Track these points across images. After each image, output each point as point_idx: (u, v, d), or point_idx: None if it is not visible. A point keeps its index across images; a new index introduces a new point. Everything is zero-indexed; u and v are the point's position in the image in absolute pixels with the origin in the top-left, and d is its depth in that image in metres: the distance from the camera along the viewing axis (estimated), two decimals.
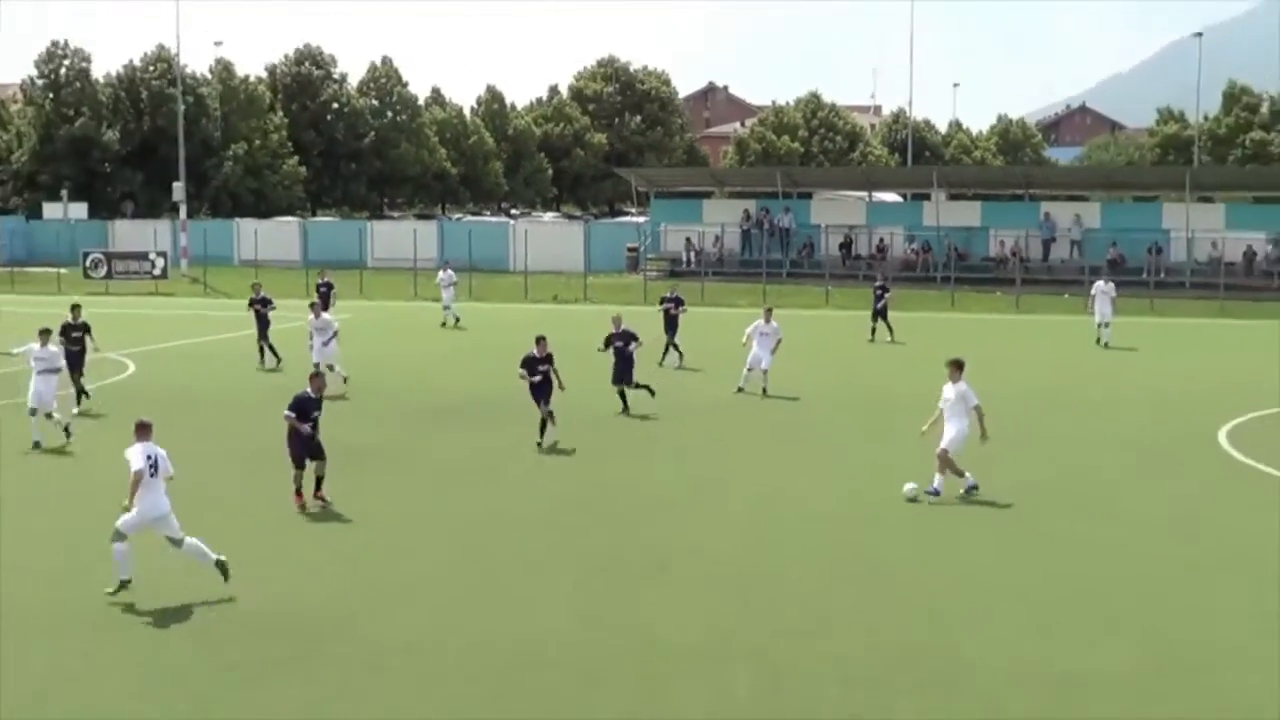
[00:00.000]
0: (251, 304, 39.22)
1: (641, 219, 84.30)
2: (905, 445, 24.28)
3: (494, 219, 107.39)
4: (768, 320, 33.30)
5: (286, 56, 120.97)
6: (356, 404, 31.44)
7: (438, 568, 17.82)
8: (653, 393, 30.22)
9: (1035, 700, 13.16)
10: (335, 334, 34.79)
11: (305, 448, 20.73)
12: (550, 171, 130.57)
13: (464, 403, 31.76)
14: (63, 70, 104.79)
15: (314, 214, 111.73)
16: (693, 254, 72.86)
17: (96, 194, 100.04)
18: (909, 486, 21.17)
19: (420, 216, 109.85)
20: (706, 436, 27.79)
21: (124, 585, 16.30)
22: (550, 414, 25.85)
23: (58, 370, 27.24)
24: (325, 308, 36.73)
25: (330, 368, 32.97)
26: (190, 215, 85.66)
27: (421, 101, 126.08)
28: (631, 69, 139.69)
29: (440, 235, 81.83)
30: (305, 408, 20.81)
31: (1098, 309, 44.07)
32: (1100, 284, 44.74)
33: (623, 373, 29.87)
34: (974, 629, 15.18)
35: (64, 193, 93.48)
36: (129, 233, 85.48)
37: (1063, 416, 30.03)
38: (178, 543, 16.44)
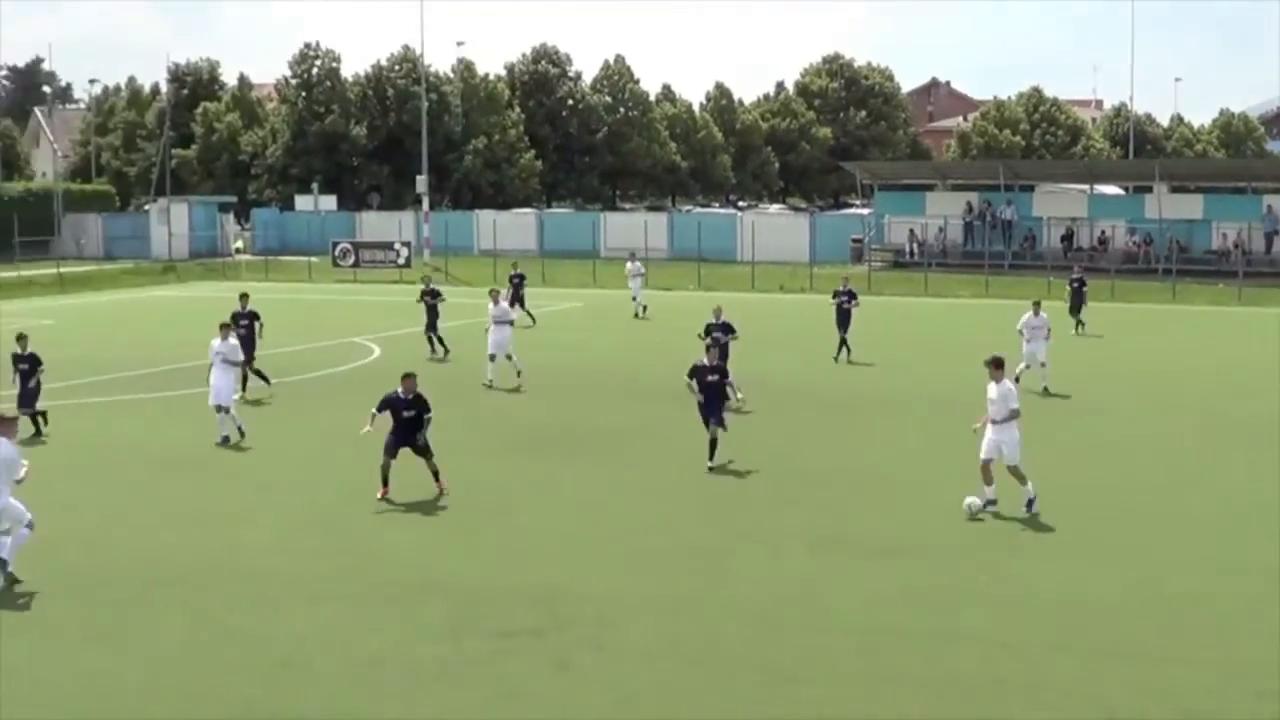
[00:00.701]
0: (422, 296, 39.54)
1: (866, 211, 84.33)
2: (1121, 436, 25.81)
3: (722, 210, 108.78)
4: (1036, 313, 32.27)
5: (524, 55, 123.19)
6: (586, 386, 32.68)
7: (659, 548, 18.30)
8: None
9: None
10: (511, 323, 34.22)
11: (398, 439, 20.84)
12: (777, 165, 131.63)
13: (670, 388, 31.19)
14: (314, 70, 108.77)
15: (549, 205, 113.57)
16: (916, 245, 73.78)
17: (345, 187, 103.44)
18: (970, 501, 19.79)
19: (651, 208, 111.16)
20: (917, 426, 27.93)
21: (5, 569, 16.38)
22: (718, 433, 23.16)
23: (237, 364, 27.24)
24: (514, 300, 36.27)
25: (509, 357, 33.13)
26: (432, 207, 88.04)
27: (652, 98, 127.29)
28: (855, 65, 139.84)
29: (670, 226, 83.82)
30: (393, 406, 20.89)
31: None
32: None
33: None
34: (1197, 610, 15.74)
35: (315, 185, 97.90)
36: (375, 223, 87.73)
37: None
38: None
